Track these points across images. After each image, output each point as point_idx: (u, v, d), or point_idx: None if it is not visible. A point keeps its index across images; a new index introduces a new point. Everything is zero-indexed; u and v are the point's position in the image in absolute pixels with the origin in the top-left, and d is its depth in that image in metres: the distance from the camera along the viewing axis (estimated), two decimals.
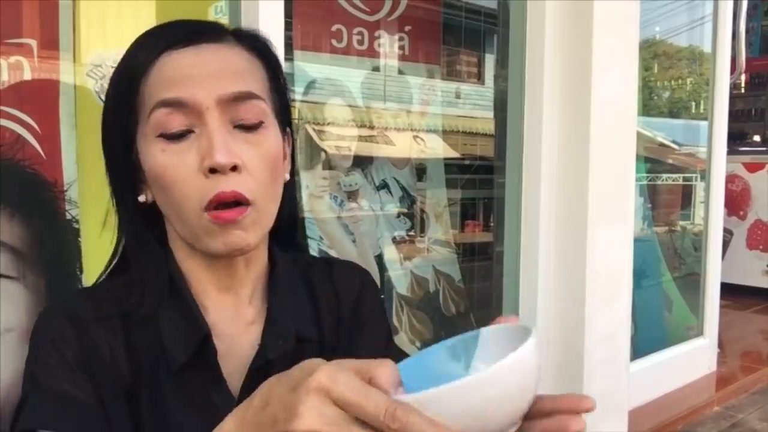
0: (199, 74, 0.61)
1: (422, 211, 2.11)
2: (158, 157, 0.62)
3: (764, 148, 4.50)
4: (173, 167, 0.61)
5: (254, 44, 0.67)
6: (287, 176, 0.70)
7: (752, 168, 4.00)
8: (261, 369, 0.67)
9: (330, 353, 0.73)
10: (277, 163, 0.66)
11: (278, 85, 0.69)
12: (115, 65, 0.66)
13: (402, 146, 2.07)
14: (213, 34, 0.64)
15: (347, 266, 0.81)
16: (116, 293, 0.67)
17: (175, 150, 0.61)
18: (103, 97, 0.66)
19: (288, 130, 0.71)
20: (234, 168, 0.60)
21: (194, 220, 0.62)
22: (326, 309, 0.75)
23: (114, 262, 0.71)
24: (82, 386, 0.62)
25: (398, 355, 0.77)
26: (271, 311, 0.70)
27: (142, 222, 0.68)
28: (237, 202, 0.61)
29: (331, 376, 0.40)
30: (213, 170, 0.60)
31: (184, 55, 0.62)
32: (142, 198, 0.66)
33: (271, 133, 0.65)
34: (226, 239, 0.62)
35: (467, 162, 2.29)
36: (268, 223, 0.66)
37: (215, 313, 0.69)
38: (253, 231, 0.63)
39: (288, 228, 0.75)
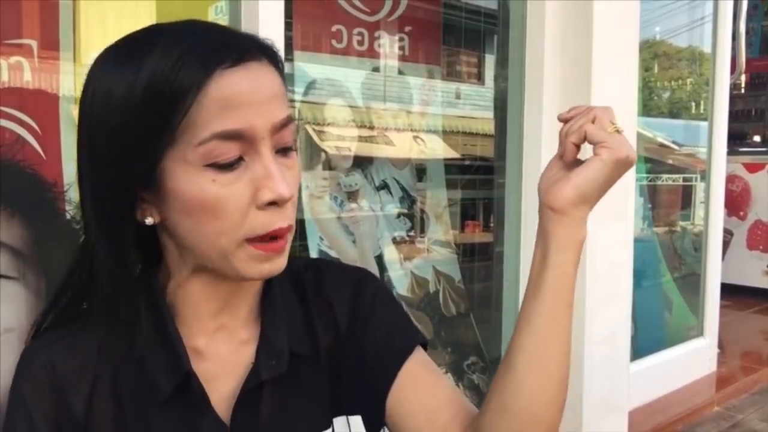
0: (256, 101, 0.58)
1: (422, 211, 2.11)
2: (207, 187, 0.58)
3: (764, 148, 4.50)
4: (225, 198, 0.58)
5: (277, 60, 0.65)
6: None
7: (752, 168, 4.00)
8: (254, 389, 0.66)
9: (324, 369, 0.72)
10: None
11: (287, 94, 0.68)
12: (134, 72, 0.58)
13: (402, 146, 2.07)
14: (254, 50, 0.61)
15: (338, 271, 0.78)
16: (94, 332, 0.65)
17: (226, 181, 0.58)
18: (103, 108, 0.59)
19: None
20: (290, 198, 0.60)
21: (233, 251, 0.60)
22: (320, 322, 0.73)
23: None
24: None
25: (415, 329, 0.77)
26: (265, 329, 0.69)
27: (132, 253, 0.64)
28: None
29: None
30: (271, 203, 0.59)
31: (237, 77, 0.58)
32: (149, 221, 0.62)
33: (295, 152, 0.64)
34: (272, 267, 0.61)
35: (467, 162, 2.29)
36: None
37: (207, 335, 0.67)
38: (287, 252, 0.63)
39: None
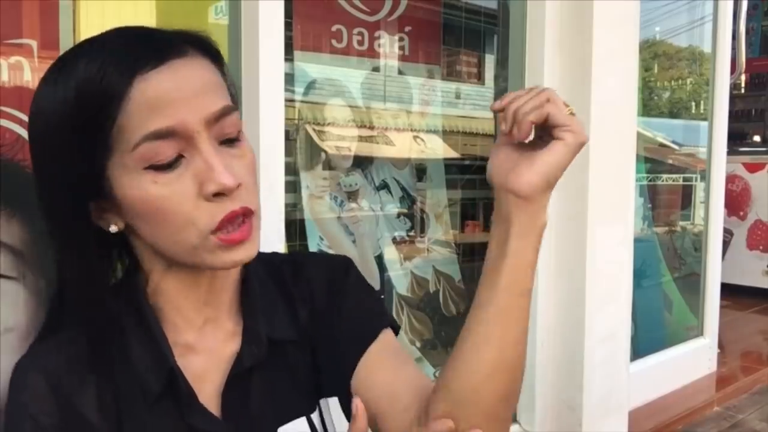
0: (183, 97, 0.58)
1: (422, 211, 2.11)
2: (150, 189, 0.59)
3: (764, 148, 4.50)
4: (169, 198, 0.59)
5: (208, 49, 0.64)
6: None
7: (752, 168, 4.00)
8: (242, 377, 0.68)
9: (310, 351, 0.74)
10: (256, 168, 0.65)
11: (232, 88, 0.67)
12: (64, 88, 0.59)
13: (402, 146, 2.07)
14: (176, 48, 0.61)
15: (318, 259, 0.81)
16: (80, 339, 0.65)
17: (167, 180, 0.59)
18: (43, 127, 0.61)
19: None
20: (238, 186, 0.60)
21: (198, 244, 0.60)
22: (301, 304, 0.75)
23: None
24: None
25: (390, 317, 0.77)
26: (246, 320, 0.70)
27: (94, 259, 0.64)
28: (243, 218, 0.61)
29: None
30: (217, 194, 0.59)
31: (160, 78, 0.58)
32: (114, 228, 0.63)
33: (247, 141, 0.64)
34: (242, 254, 0.61)
35: (467, 162, 2.29)
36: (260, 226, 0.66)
37: (195, 330, 0.68)
38: (257, 239, 0.63)
39: None
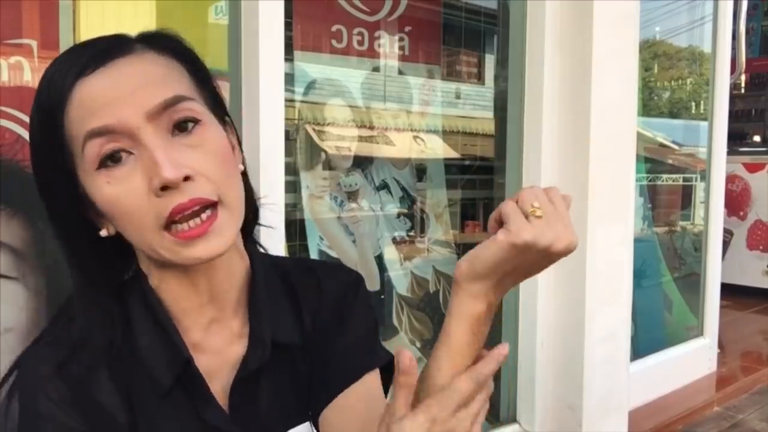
0: (120, 95, 0.58)
1: (422, 211, 2.11)
2: (104, 189, 0.59)
3: (764, 148, 4.49)
4: (123, 196, 0.59)
5: (166, 45, 0.64)
6: (241, 166, 0.68)
7: (752, 168, 4.00)
8: (249, 379, 0.68)
9: (310, 359, 0.73)
10: (228, 156, 0.64)
11: (202, 78, 0.66)
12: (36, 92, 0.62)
13: (402, 146, 2.07)
14: (120, 48, 0.61)
15: (333, 268, 0.80)
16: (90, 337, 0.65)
17: (118, 178, 0.59)
18: (30, 135, 0.64)
19: (227, 119, 0.69)
20: (186, 178, 0.58)
21: (156, 241, 0.60)
22: (307, 313, 0.74)
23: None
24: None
25: (383, 349, 0.76)
26: (252, 321, 0.69)
27: (96, 262, 0.65)
28: (201, 210, 0.59)
29: None
30: (165, 187, 0.58)
31: (97, 78, 0.59)
32: (103, 232, 0.64)
33: (211, 128, 0.63)
34: (202, 250, 0.60)
35: (467, 162, 2.29)
36: (240, 215, 0.64)
37: (201, 329, 0.68)
38: (227, 231, 0.61)
39: (252, 218, 0.74)
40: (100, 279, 0.65)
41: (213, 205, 0.60)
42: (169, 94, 0.60)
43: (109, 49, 0.61)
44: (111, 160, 0.59)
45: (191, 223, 0.59)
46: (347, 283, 0.77)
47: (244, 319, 0.70)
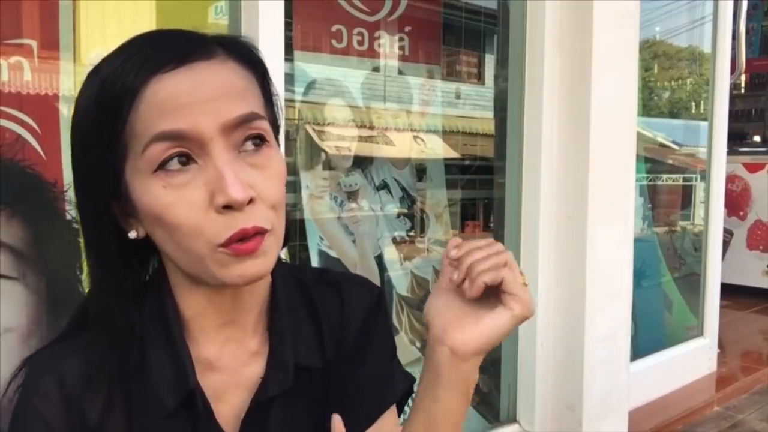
0: (199, 100, 0.55)
1: (422, 211, 2.11)
2: (159, 194, 0.56)
3: (764, 148, 4.50)
4: (178, 204, 0.56)
5: (243, 54, 0.62)
6: None
7: (752, 168, 4.00)
8: (263, 403, 0.65)
9: (335, 378, 0.71)
10: (284, 181, 0.61)
11: (269, 96, 0.64)
12: (91, 85, 0.58)
13: (402, 146, 2.07)
14: (203, 49, 0.58)
15: (357, 285, 0.76)
16: (101, 342, 0.63)
17: (177, 185, 0.56)
18: (75, 122, 0.60)
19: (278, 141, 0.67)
20: (250, 201, 0.56)
21: (207, 256, 0.57)
22: (328, 332, 0.71)
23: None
24: None
25: (400, 377, 0.74)
26: (272, 342, 0.67)
27: (120, 263, 0.62)
28: (254, 237, 0.57)
29: None
30: (227, 206, 0.55)
31: (177, 78, 0.56)
32: (132, 234, 0.61)
33: (275, 150, 0.60)
34: (244, 272, 0.57)
35: (467, 162, 2.29)
36: (281, 243, 0.62)
37: (217, 347, 0.66)
38: (270, 256, 0.59)
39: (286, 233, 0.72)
40: (122, 281, 0.63)
41: (264, 232, 0.58)
42: (246, 109, 0.57)
43: (190, 49, 0.57)
44: (173, 164, 0.56)
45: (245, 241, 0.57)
46: (369, 309, 0.74)
47: (263, 338, 0.67)
